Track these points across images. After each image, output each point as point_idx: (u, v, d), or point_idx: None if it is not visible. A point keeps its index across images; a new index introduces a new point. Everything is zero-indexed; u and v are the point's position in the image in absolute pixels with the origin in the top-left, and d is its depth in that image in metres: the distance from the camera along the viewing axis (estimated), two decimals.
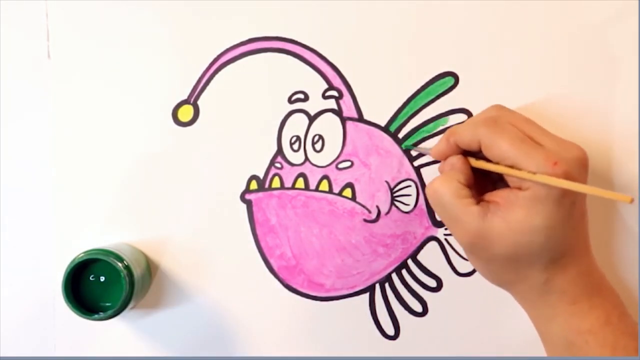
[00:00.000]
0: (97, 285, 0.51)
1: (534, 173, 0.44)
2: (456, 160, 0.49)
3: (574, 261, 0.47)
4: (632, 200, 0.42)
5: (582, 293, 0.47)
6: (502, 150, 0.46)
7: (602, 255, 0.52)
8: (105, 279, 0.51)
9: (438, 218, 0.56)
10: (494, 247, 0.46)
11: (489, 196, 0.48)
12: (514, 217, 0.45)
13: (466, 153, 0.50)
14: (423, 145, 0.55)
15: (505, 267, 0.47)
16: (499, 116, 0.48)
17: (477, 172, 0.50)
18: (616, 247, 0.55)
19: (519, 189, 0.46)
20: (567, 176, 0.44)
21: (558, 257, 0.47)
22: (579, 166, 0.46)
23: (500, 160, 0.46)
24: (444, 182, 0.48)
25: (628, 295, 0.55)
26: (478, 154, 0.49)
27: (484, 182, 0.50)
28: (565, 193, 0.45)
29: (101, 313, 0.50)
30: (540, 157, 0.44)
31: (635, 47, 0.54)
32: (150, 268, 0.55)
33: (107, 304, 0.51)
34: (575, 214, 0.47)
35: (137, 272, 0.51)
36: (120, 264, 0.50)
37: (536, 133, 0.47)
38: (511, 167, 0.46)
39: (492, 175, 0.50)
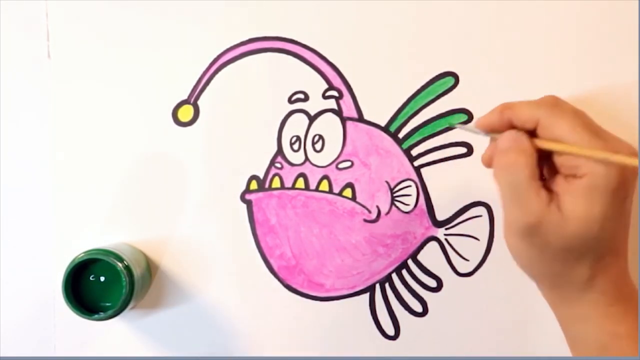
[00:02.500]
0: (97, 285, 0.51)
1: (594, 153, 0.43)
2: (525, 139, 0.46)
3: (615, 262, 0.46)
4: None
5: (620, 296, 0.46)
6: (563, 133, 0.44)
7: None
8: (105, 279, 0.51)
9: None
10: (550, 236, 0.45)
11: (547, 184, 0.46)
12: (574, 207, 0.44)
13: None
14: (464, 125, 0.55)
15: (556, 257, 0.46)
16: (561, 102, 0.47)
17: None
18: None
19: (574, 176, 0.45)
20: (621, 184, 0.43)
21: (604, 253, 0.45)
22: (634, 172, 0.45)
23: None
24: (521, 160, 0.45)
25: None
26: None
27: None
28: (620, 186, 0.44)
29: (101, 313, 0.50)
30: (600, 145, 0.43)
31: (636, 47, 0.54)
32: (150, 268, 0.55)
33: (107, 304, 0.51)
34: (625, 211, 0.46)
35: (137, 272, 0.51)
36: (120, 264, 0.50)
37: (594, 126, 0.46)
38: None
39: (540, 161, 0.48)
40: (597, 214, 0.44)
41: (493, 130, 0.48)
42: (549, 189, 0.45)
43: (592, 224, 0.44)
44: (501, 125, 0.48)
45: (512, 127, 0.47)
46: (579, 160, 0.44)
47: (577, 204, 0.44)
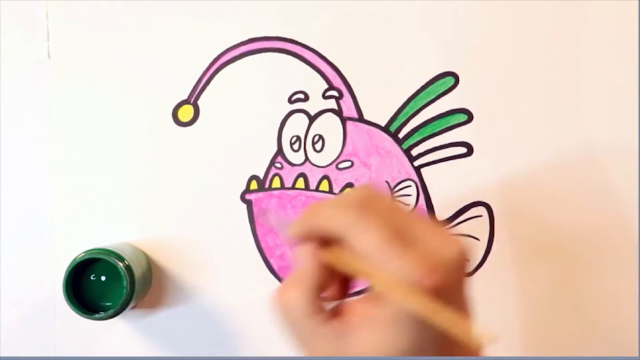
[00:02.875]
0: (97, 285, 0.51)
1: (396, 284, 0.36)
2: (310, 266, 0.39)
3: (450, 350, 0.39)
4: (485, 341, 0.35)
5: None
6: (365, 248, 0.36)
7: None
8: (106, 278, 0.51)
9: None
10: None
11: (348, 307, 0.39)
12: (373, 339, 0.37)
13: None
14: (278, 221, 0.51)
15: None
16: (368, 202, 0.38)
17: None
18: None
19: (381, 300, 0.37)
20: (440, 288, 0.36)
21: (433, 353, 0.38)
22: (457, 269, 0.37)
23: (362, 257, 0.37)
24: (293, 295, 0.38)
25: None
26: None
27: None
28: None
29: (102, 312, 0.50)
30: (408, 261, 0.36)
31: (636, 47, 0.55)
32: (151, 268, 0.55)
33: (108, 304, 0.51)
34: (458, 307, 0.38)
35: (137, 271, 0.51)
36: (121, 264, 0.50)
37: (410, 224, 0.38)
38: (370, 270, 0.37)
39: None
40: (402, 348, 0.37)
41: (306, 239, 0.40)
42: (350, 317, 0.38)
43: (397, 352, 0.37)
44: (309, 233, 0.40)
45: (319, 235, 0.39)
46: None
47: (378, 337, 0.37)
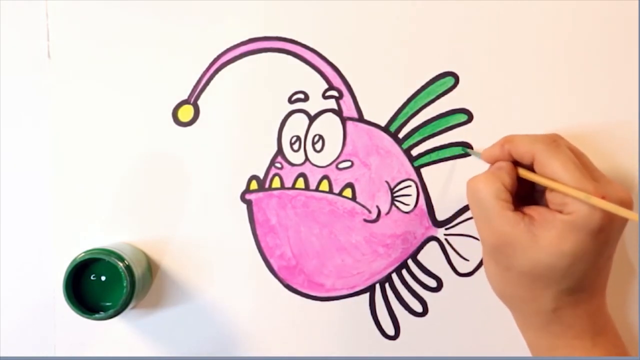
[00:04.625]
0: (97, 285, 0.51)
1: (579, 194, 0.44)
2: (505, 165, 0.49)
3: (587, 299, 0.47)
4: None
5: (587, 331, 0.48)
6: (554, 171, 0.46)
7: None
8: (106, 278, 0.51)
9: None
10: (515, 257, 0.46)
11: (527, 209, 0.48)
12: (545, 235, 0.45)
13: (516, 164, 0.49)
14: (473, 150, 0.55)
15: (520, 280, 0.47)
16: (559, 139, 0.48)
17: (521, 186, 0.49)
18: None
19: (560, 212, 0.46)
20: (610, 214, 0.44)
21: (574, 290, 0.46)
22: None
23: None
24: (487, 180, 0.48)
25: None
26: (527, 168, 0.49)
27: (525, 197, 0.50)
28: (602, 230, 0.44)
29: (102, 312, 0.50)
30: (589, 186, 0.44)
31: (636, 46, 0.55)
32: (151, 268, 0.55)
33: (108, 304, 0.51)
34: (604, 254, 0.47)
35: (137, 271, 0.51)
36: (121, 264, 0.50)
37: (590, 167, 0.48)
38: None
39: (536, 193, 0.50)
40: (567, 249, 0.45)
41: (496, 162, 0.50)
42: (528, 215, 0.47)
43: (559, 258, 0.45)
44: (503, 157, 0.50)
45: (512, 159, 0.49)
46: (566, 199, 0.45)
47: (550, 234, 0.45)
